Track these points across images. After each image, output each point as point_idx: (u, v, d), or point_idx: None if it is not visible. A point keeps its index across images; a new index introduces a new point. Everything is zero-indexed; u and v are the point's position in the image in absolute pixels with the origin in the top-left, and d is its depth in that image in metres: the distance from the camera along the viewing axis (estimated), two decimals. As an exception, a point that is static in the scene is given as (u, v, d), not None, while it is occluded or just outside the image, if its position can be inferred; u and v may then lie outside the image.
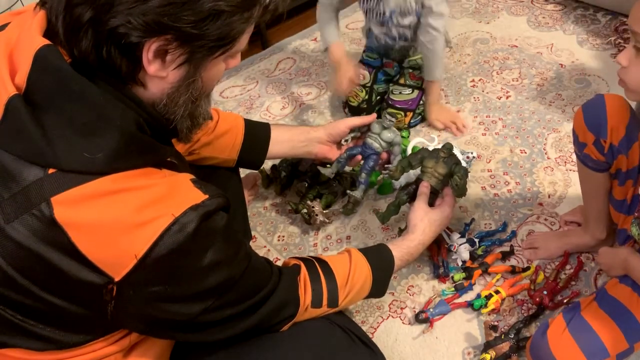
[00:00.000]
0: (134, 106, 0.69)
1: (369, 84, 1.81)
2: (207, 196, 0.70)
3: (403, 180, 1.49)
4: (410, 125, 1.76)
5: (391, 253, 1.08)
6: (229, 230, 0.74)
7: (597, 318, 1.01)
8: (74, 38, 0.64)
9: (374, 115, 1.31)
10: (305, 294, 0.90)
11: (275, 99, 1.99)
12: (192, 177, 0.74)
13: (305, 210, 1.47)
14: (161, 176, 0.70)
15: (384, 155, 1.33)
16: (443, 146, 1.30)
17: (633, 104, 1.05)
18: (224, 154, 1.19)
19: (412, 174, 1.50)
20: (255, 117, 1.92)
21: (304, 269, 0.93)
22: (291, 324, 0.89)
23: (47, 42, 0.64)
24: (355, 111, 1.79)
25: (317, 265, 0.95)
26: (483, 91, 1.89)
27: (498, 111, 1.80)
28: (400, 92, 1.77)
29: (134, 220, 0.64)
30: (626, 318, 1.00)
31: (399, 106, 1.74)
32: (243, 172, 1.66)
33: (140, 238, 0.64)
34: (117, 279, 0.64)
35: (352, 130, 1.31)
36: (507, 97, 1.85)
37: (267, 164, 1.68)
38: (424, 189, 1.24)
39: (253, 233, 1.49)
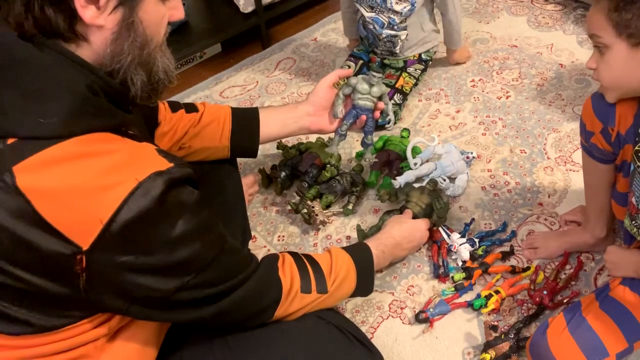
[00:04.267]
0: (81, 69, 0.69)
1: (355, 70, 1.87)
2: (172, 164, 0.70)
3: (403, 180, 1.50)
4: (377, 124, 1.71)
5: (366, 244, 1.13)
6: (201, 207, 0.74)
7: (597, 317, 1.01)
8: (5, 5, 0.65)
9: (351, 69, 1.28)
10: (293, 279, 0.90)
11: (275, 99, 1.99)
12: (156, 146, 0.74)
13: (305, 210, 1.47)
14: (123, 142, 0.70)
15: (380, 105, 1.28)
16: (428, 181, 1.46)
17: None
18: (214, 142, 1.18)
19: (412, 174, 1.51)
20: (255, 117, 1.92)
21: (288, 257, 0.94)
22: (281, 312, 0.89)
23: None
24: None
25: (301, 256, 0.97)
26: (483, 91, 1.89)
27: (498, 111, 1.80)
28: None
29: (97, 185, 0.64)
30: (626, 317, 1.00)
31: None
32: (243, 172, 1.66)
33: (105, 202, 0.64)
34: (85, 247, 0.64)
35: (338, 90, 1.25)
36: (507, 97, 1.85)
37: (267, 164, 1.69)
38: (407, 214, 1.36)
39: (253, 233, 1.49)
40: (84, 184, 0.64)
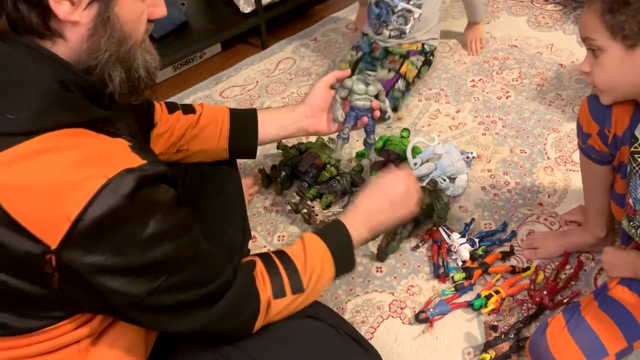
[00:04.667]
0: (53, 64, 0.68)
1: (354, 59, 1.90)
2: (145, 161, 0.68)
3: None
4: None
5: (340, 221, 1.01)
6: (176, 206, 0.72)
7: (596, 317, 1.01)
8: None
9: (348, 71, 1.26)
10: (265, 287, 0.86)
11: (275, 99, 1.99)
12: (131, 143, 0.72)
13: (305, 210, 1.47)
14: (94, 137, 0.69)
15: (375, 104, 1.25)
16: (429, 181, 1.47)
17: None
18: (212, 143, 1.17)
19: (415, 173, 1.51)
20: (255, 117, 1.92)
21: (259, 263, 0.88)
22: (260, 323, 0.85)
23: None
24: None
25: (273, 257, 0.91)
26: (483, 91, 1.89)
27: (498, 111, 1.80)
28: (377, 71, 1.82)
29: (64, 181, 0.63)
30: (625, 317, 1.00)
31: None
32: (243, 172, 1.66)
33: (72, 199, 0.62)
34: (53, 246, 0.62)
35: (335, 93, 1.22)
36: (507, 97, 1.85)
37: (267, 164, 1.69)
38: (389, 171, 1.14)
39: (253, 233, 1.49)
40: (50, 179, 0.63)
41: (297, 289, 0.88)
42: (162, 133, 1.13)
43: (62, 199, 0.62)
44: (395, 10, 1.80)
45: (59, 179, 0.63)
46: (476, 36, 2.08)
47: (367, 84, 1.21)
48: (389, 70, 1.84)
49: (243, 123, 1.20)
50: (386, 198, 1.04)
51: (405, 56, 1.85)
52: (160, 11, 0.77)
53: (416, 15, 1.81)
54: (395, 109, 1.79)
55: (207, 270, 0.78)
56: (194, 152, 1.17)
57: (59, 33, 0.69)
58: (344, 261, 0.99)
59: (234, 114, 1.20)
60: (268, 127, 1.21)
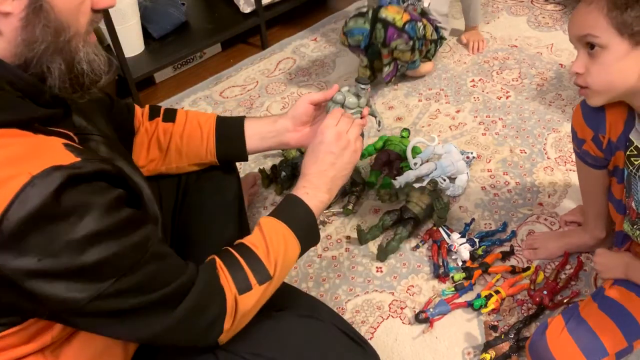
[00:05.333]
0: None
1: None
2: (78, 159, 0.65)
3: (403, 180, 1.50)
4: (404, 29, 1.75)
5: (292, 195, 0.97)
6: (117, 206, 0.68)
7: (596, 317, 1.01)
8: None
9: (336, 86, 1.22)
10: (228, 284, 0.81)
11: (275, 99, 2.00)
12: (68, 142, 0.68)
13: (305, 210, 1.47)
14: (25, 137, 0.66)
15: (365, 111, 1.18)
16: (429, 181, 1.47)
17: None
18: (200, 158, 1.14)
19: (412, 174, 1.51)
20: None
21: (218, 260, 0.84)
22: (230, 323, 0.80)
23: None
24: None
25: (231, 251, 0.86)
26: (483, 91, 1.89)
27: (498, 111, 1.80)
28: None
29: None
30: (625, 317, 1.00)
31: None
32: (243, 172, 1.66)
33: None
34: None
35: (325, 111, 1.18)
36: (507, 97, 1.85)
37: (267, 164, 1.69)
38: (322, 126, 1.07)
39: (253, 233, 1.49)
40: None
41: (264, 278, 0.83)
42: (142, 143, 1.10)
43: None
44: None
45: None
46: (476, 38, 2.09)
47: (359, 97, 1.19)
48: (389, 65, 1.84)
49: (229, 136, 1.15)
50: (326, 153, 1.00)
51: (425, 14, 1.85)
52: (108, 1, 0.73)
53: (425, 4, 1.84)
54: (413, 41, 1.76)
55: (162, 271, 0.73)
56: (183, 166, 1.14)
57: None
58: (307, 233, 0.94)
59: (219, 126, 1.14)
60: (250, 139, 1.16)
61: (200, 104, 2.02)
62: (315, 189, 0.98)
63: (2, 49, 0.68)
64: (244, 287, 0.81)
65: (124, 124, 1.06)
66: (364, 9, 1.82)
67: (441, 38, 1.92)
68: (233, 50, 2.31)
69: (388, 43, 1.75)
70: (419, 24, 1.77)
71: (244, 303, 0.81)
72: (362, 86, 1.18)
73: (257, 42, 2.31)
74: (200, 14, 2.35)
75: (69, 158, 0.64)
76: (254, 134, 1.16)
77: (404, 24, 1.74)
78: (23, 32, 0.67)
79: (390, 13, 1.75)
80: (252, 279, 0.82)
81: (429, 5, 1.86)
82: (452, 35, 2.15)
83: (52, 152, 0.65)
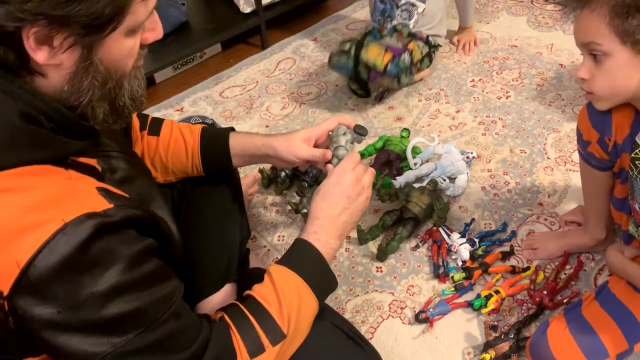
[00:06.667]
0: (23, 94, 0.64)
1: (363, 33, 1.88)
2: (111, 205, 0.64)
3: (403, 180, 1.50)
4: (385, 72, 1.75)
5: (304, 241, 0.92)
6: (145, 256, 0.67)
7: (598, 318, 1.01)
8: None
9: (334, 120, 1.15)
10: (239, 348, 0.77)
11: (275, 99, 2.00)
12: (101, 185, 0.68)
13: (305, 210, 1.47)
14: (60, 177, 0.65)
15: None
16: (429, 181, 1.47)
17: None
18: (187, 174, 1.14)
19: (412, 174, 1.51)
20: (255, 117, 1.92)
21: (228, 321, 0.79)
22: None
23: None
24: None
25: (242, 308, 0.81)
26: (483, 91, 1.89)
27: (498, 111, 1.80)
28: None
29: (18, 224, 0.59)
30: (627, 318, 1.00)
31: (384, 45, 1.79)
32: (243, 172, 1.66)
33: (24, 244, 0.58)
34: (5, 292, 0.59)
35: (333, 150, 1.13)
36: (507, 97, 1.85)
37: (267, 164, 1.68)
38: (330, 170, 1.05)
39: (253, 233, 1.49)
40: (3, 222, 0.59)
41: (277, 338, 0.79)
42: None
43: (14, 243, 0.58)
44: (400, 4, 1.82)
45: (12, 222, 0.59)
46: (470, 38, 2.09)
47: (353, 143, 1.16)
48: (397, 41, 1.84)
49: (214, 149, 1.13)
50: (341, 196, 0.96)
51: (413, 35, 1.85)
52: (156, 34, 0.73)
53: (420, 10, 1.83)
54: (398, 78, 1.76)
55: (183, 331, 0.71)
56: (170, 179, 1.13)
57: (40, 72, 0.65)
58: (322, 284, 0.90)
59: (204, 138, 1.12)
60: (234, 154, 1.14)
61: (200, 104, 2.02)
62: (327, 235, 0.93)
63: (46, 87, 0.67)
64: (256, 349, 0.77)
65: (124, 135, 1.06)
66: (347, 46, 1.79)
67: (434, 47, 1.91)
68: (233, 50, 2.31)
69: (372, 82, 1.78)
70: (403, 55, 1.75)
71: None
72: (361, 138, 1.16)
73: (257, 42, 2.31)
74: (200, 14, 2.35)
75: (102, 204, 0.64)
76: (237, 155, 1.13)
77: (385, 67, 1.72)
78: (70, 82, 0.67)
79: (371, 56, 1.73)
80: (265, 340, 0.78)
81: (423, 11, 1.84)
82: (450, 36, 2.15)
83: (86, 197, 0.65)
